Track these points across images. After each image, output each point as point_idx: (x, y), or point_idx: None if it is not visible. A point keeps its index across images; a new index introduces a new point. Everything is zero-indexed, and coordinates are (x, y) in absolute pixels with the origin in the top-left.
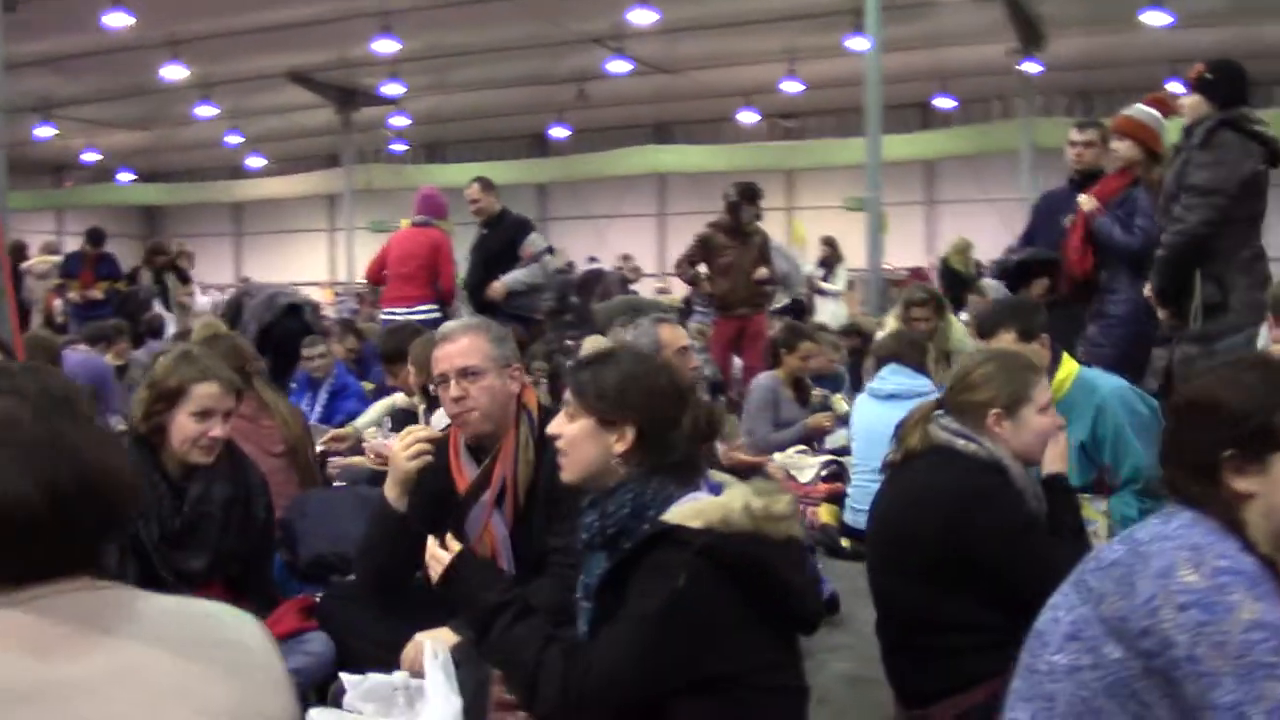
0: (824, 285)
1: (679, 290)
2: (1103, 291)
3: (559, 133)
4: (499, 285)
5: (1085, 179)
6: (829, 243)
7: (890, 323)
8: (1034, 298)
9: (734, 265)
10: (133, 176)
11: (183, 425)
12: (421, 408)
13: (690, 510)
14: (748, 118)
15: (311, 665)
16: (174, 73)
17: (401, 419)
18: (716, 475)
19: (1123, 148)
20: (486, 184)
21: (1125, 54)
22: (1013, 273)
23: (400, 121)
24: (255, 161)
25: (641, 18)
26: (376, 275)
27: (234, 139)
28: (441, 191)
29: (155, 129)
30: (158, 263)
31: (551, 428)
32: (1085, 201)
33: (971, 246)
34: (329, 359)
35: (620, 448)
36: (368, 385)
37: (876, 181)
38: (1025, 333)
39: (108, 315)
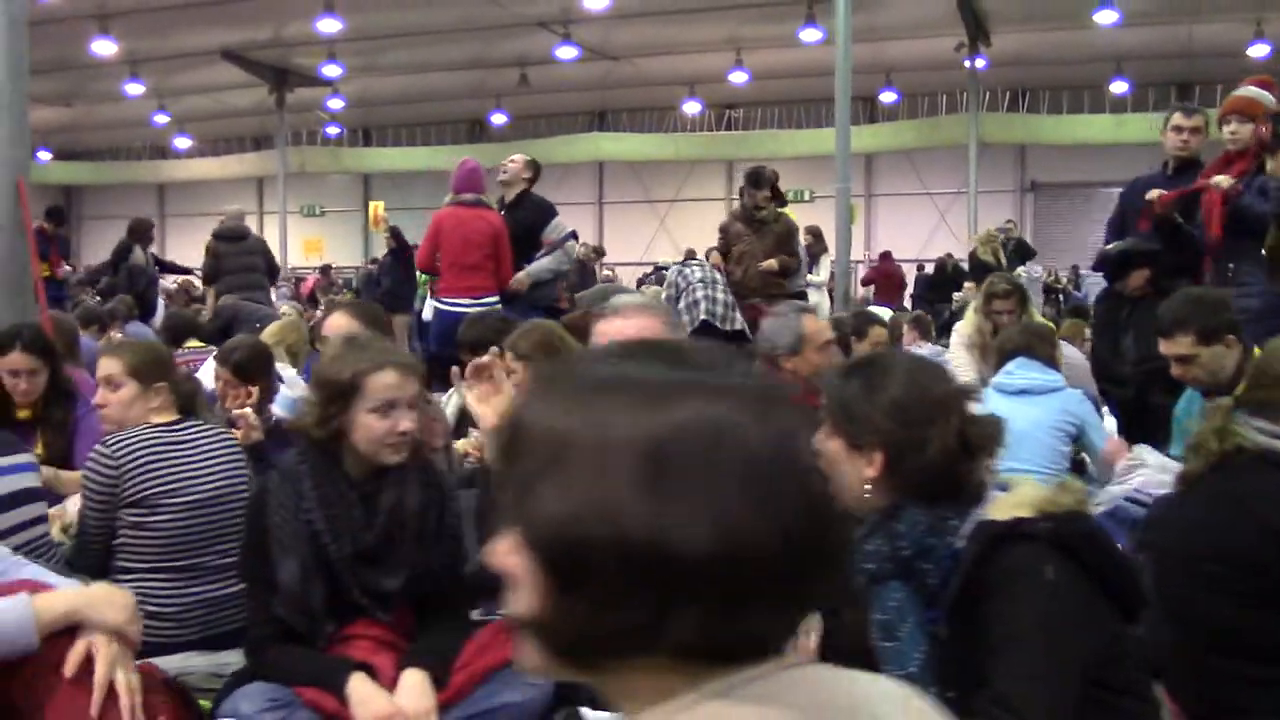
0: (809, 277)
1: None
2: (1233, 285)
3: (499, 119)
4: (523, 276)
5: (1183, 167)
6: (814, 233)
7: (970, 315)
8: (1132, 289)
9: (746, 253)
10: (49, 155)
11: (365, 424)
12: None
13: (1010, 503)
14: (691, 107)
15: (536, 700)
16: (103, 48)
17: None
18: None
19: (1244, 131)
20: (532, 163)
21: (1067, 51)
22: (1114, 262)
23: (336, 104)
24: (182, 142)
25: (594, 2)
26: (428, 263)
27: (161, 118)
28: (381, 174)
29: (78, 105)
30: (148, 240)
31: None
32: (1224, 180)
33: (997, 237)
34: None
35: (870, 474)
36: None
37: (846, 173)
38: (1206, 333)
39: (65, 298)
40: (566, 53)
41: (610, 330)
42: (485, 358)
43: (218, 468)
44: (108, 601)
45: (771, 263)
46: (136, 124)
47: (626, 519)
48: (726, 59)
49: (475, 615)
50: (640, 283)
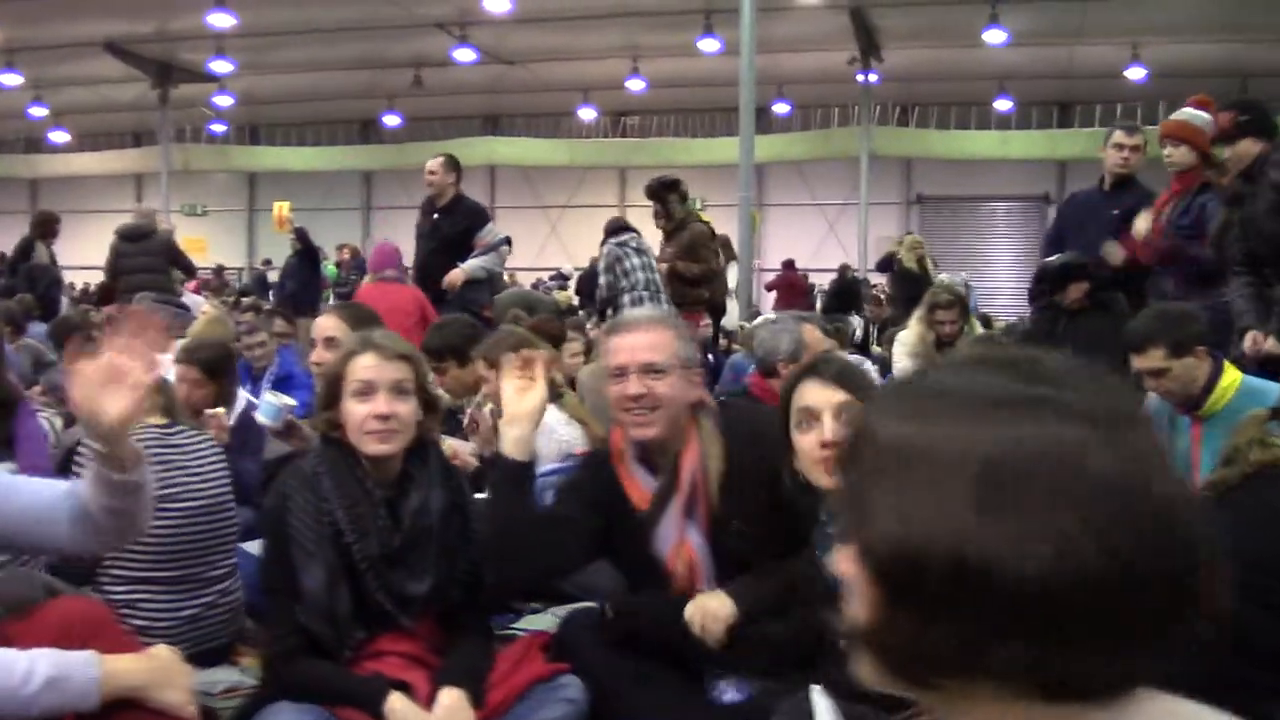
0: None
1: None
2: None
3: (391, 120)
4: (458, 272)
5: (1120, 183)
6: (722, 242)
7: (914, 325)
8: (1070, 301)
9: (662, 259)
10: None
11: (349, 411)
12: (487, 408)
13: None
14: (587, 114)
15: (571, 716)
16: None
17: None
18: None
19: (1179, 153)
20: (452, 163)
21: (955, 68)
22: (1053, 275)
23: (224, 101)
24: (58, 136)
25: (495, 5)
26: None
27: (38, 110)
28: (267, 173)
29: None
30: (53, 235)
31: None
32: (1141, 228)
33: (923, 244)
34: (269, 346)
35: None
36: None
37: (749, 180)
38: (1177, 346)
39: None
40: (464, 55)
41: (624, 344)
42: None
43: (210, 474)
44: (172, 681)
45: (663, 265)
46: (10, 115)
47: (959, 537)
48: (623, 66)
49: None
50: (535, 286)
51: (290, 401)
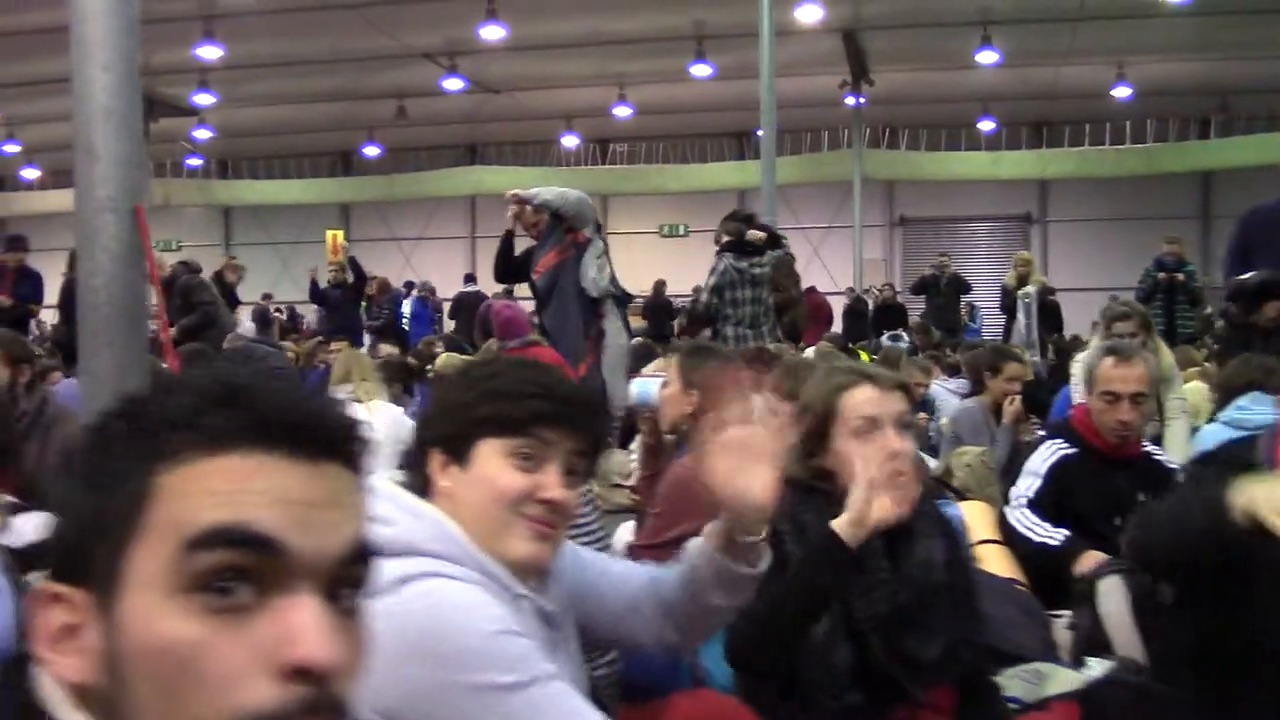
0: None
1: None
2: None
3: (371, 151)
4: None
5: None
6: None
7: (1095, 343)
8: (1266, 320)
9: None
10: None
11: (850, 448)
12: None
13: None
14: (570, 141)
15: None
16: None
17: None
18: None
19: None
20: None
21: (939, 91)
22: (1250, 293)
23: (202, 134)
24: (30, 173)
25: (491, 34)
26: None
27: (11, 148)
28: (242, 207)
29: None
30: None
31: None
32: None
33: (1030, 262)
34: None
35: None
36: None
37: (773, 205)
38: None
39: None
40: (453, 84)
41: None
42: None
43: None
44: None
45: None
46: None
47: None
48: (610, 93)
49: None
50: None
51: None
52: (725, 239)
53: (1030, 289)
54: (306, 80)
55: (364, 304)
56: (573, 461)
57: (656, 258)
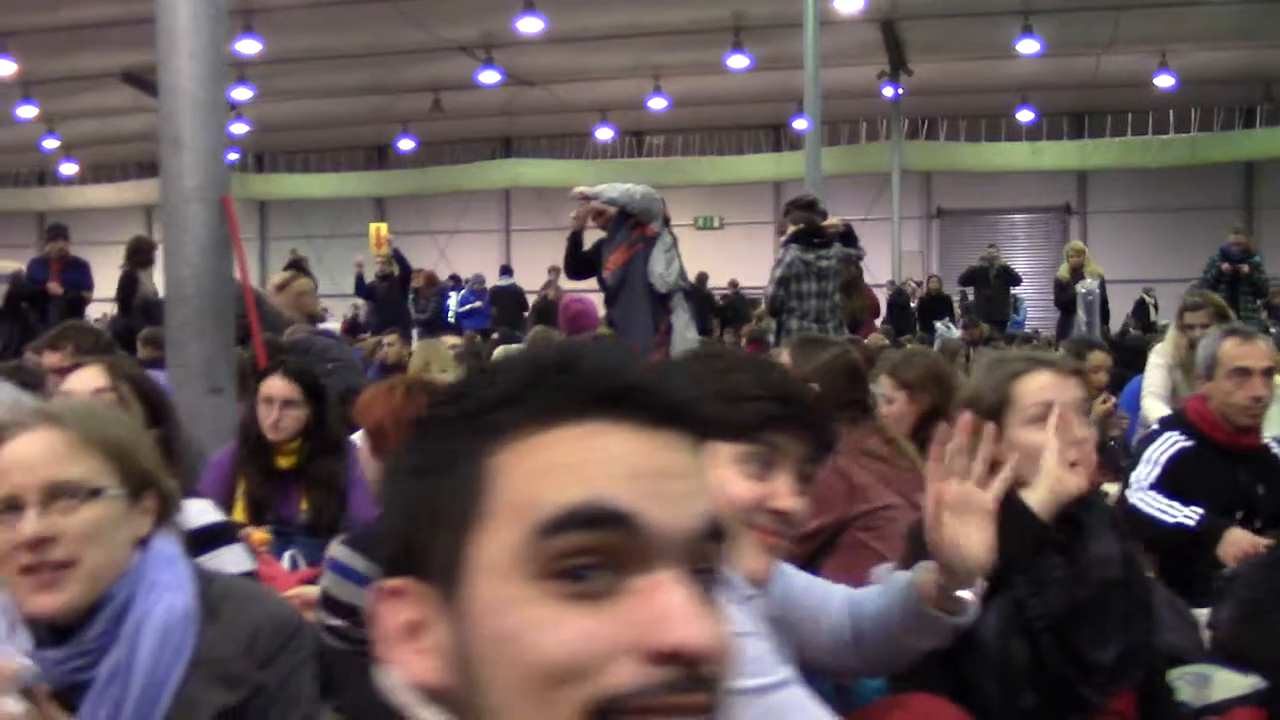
0: None
1: None
2: None
3: (406, 144)
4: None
5: None
6: None
7: (1171, 334)
8: None
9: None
10: None
11: (1027, 435)
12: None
13: None
14: (604, 133)
15: None
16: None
17: None
18: None
19: None
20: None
21: (979, 80)
22: None
23: (239, 129)
24: (68, 168)
25: (528, 27)
26: None
27: (51, 143)
28: (277, 201)
29: None
30: (149, 263)
31: None
32: None
33: (1083, 253)
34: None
35: None
36: None
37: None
38: None
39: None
40: (489, 77)
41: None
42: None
43: None
44: None
45: None
46: (24, 148)
47: None
48: (645, 85)
49: None
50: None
51: None
52: (792, 229)
53: (1092, 283)
54: (342, 74)
55: (410, 297)
56: (804, 469)
57: (692, 250)
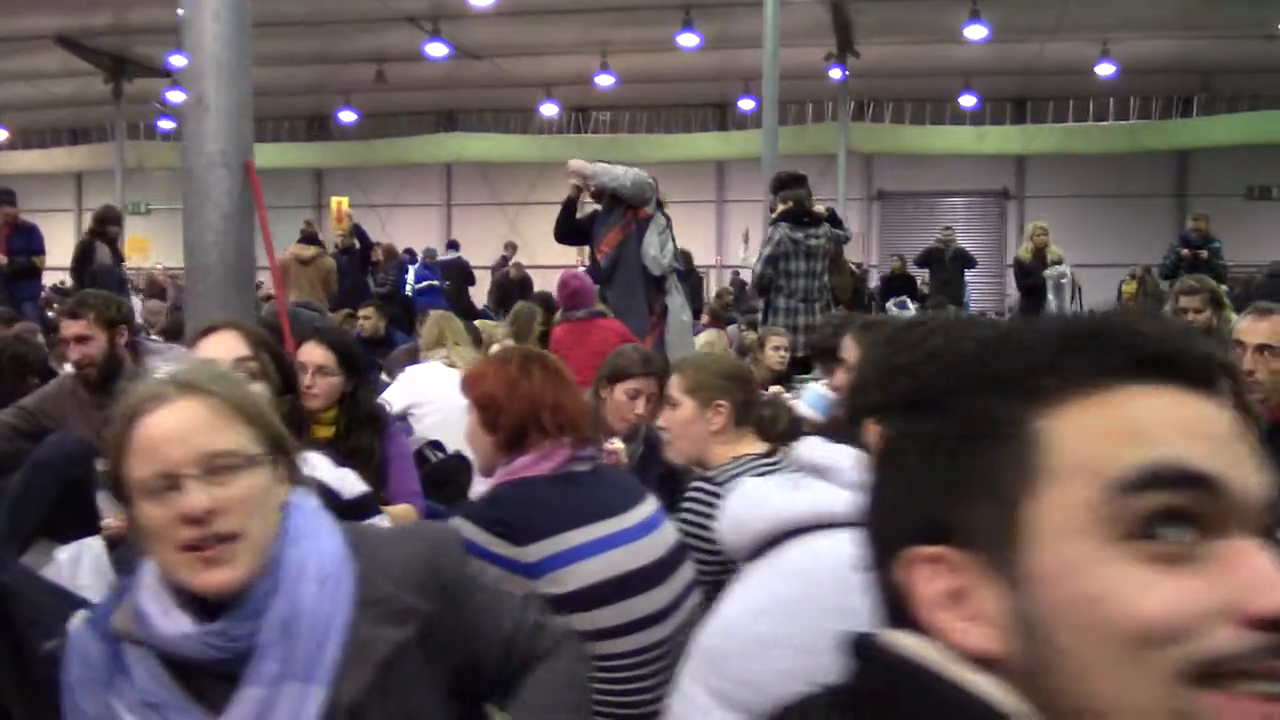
0: None
1: None
2: None
3: (347, 116)
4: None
5: None
6: None
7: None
8: None
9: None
10: None
11: None
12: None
13: None
14: (549, 109)
15: None
16: None
17: None
18: None
19: None
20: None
21: (924, 64)
22: None
23: (176, 96)
24: None
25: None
26: None
27: None
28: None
29: None
30: (110, 235)
31: None
32: None
33: (1045, 233)
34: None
35: None
36: None
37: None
38: None
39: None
40: (436, 50)
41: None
42: None
43: None
44: None
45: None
46: None
47: None
48: (592, 61)
49: None
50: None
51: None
52: (781, 208)
53: (1064, 268)
54: (284, 42)
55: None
56: None
57: None
